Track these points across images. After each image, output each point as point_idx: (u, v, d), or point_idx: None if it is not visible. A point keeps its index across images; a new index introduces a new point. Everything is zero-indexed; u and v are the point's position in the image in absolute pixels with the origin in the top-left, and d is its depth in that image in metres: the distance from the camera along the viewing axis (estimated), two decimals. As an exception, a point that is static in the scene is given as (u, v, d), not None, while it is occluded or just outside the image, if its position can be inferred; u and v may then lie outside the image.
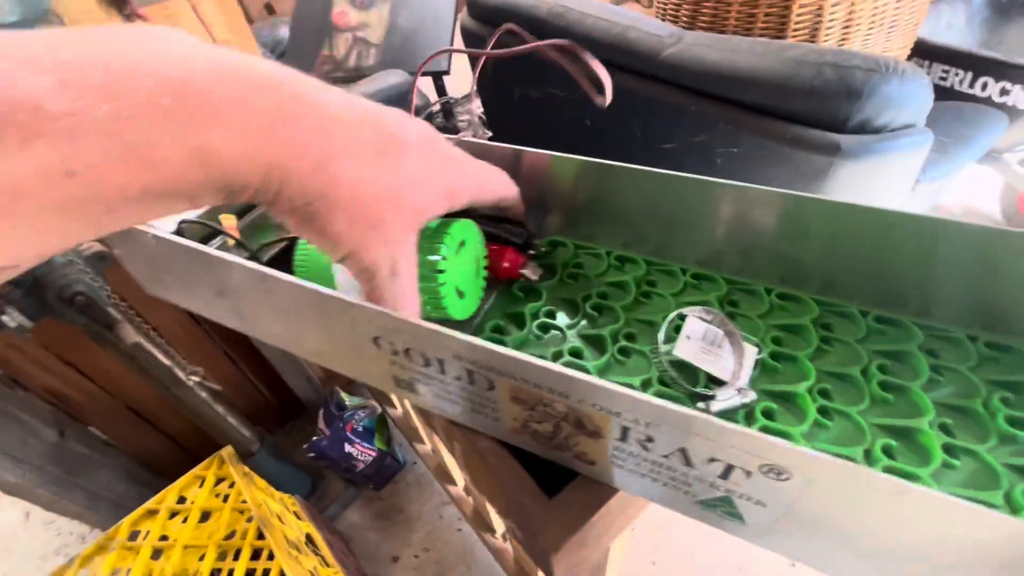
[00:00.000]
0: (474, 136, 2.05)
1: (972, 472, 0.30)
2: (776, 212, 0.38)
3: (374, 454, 1.22)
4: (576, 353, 0.39)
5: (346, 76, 1.86)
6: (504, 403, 0.30)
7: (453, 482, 1.11)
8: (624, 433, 0.27)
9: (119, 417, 1.12)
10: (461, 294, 0.36)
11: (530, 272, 0.43)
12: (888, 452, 0.31)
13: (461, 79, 1.84)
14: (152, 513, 0.82)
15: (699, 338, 0.36)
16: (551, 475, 0.35)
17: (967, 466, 0.30)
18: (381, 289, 0.27)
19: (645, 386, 0.36)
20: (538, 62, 1.31)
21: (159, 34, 0.19)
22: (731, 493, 0.26)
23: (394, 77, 1.45)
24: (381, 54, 1.84)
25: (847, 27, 1.25)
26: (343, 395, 1.29)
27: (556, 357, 0.39)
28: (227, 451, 0.90)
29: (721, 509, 0.28)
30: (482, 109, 1.92)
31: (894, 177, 0.88)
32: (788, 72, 0.81)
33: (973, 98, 1.62)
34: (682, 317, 0.38)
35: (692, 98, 0.98)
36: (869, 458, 0.31)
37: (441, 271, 0.34)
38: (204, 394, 0.96)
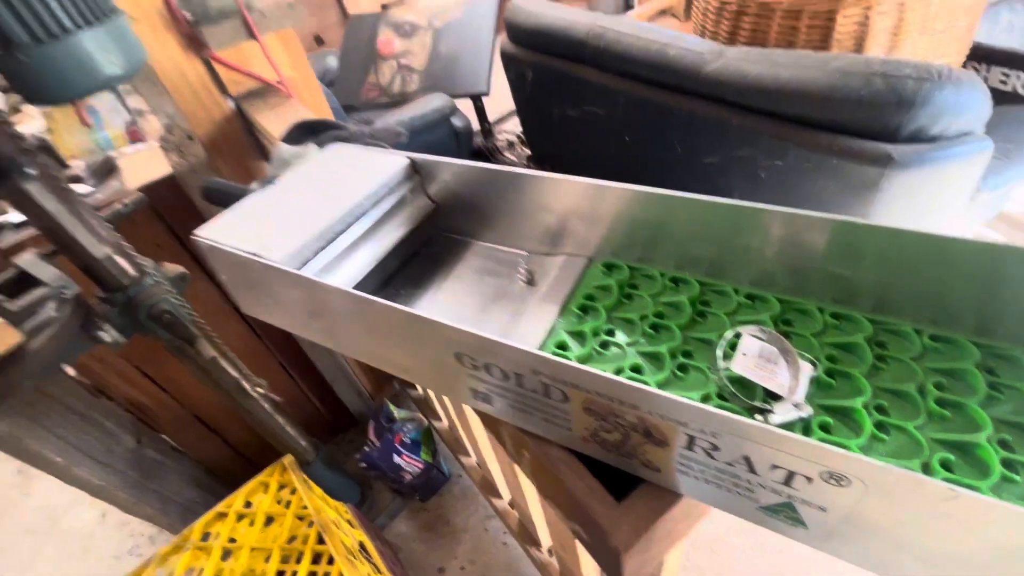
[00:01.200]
0: (513, 155, 2.08)
1: (1032, 486, 0.31)
2: (826, 236, 0.40)
3: (421, 466, 1.26)
4: (637, 369, 0.41)
5: (391, 101, 1.95)
6: (577, 414, 0.33)
7: (498, 495, 1.13)
8: (690, 442, 0.29)
9: (187, 425, 1.20)
10: None
11: None
12: (946, 465, 0.32)
13: (499, 99, 1.89)
14: (221, 516, 0.88)
15: (755, 355, 0.38)
16: (613, 481, 0.38)
17: (1028, 480, 0.31)
18: None
19: (705, 400, 0.38)
20: (575, 82, 1.34)
21: None
22: (793, 499, 0.28)
23: (437, 100, 1.53)
24: (424, 79, 1.92)
25: (895, 35, 1.22)
26: (391, 407, 1.33)
27: (617, 372, 0.41)
28: (288, 459, 0.95)
29: (784, 514, 0.30)
30: (521, 128, 1.96)
31: (951, 187, 0.85)
32: (834, 83, 0.80)
33: (1037, 101, 1.56)
34: (738, 335, 0.40)
35: (734, 112, 0.98)
36: (928, 470, 0.32)
37: None
38: (267, 405, 1.03)
